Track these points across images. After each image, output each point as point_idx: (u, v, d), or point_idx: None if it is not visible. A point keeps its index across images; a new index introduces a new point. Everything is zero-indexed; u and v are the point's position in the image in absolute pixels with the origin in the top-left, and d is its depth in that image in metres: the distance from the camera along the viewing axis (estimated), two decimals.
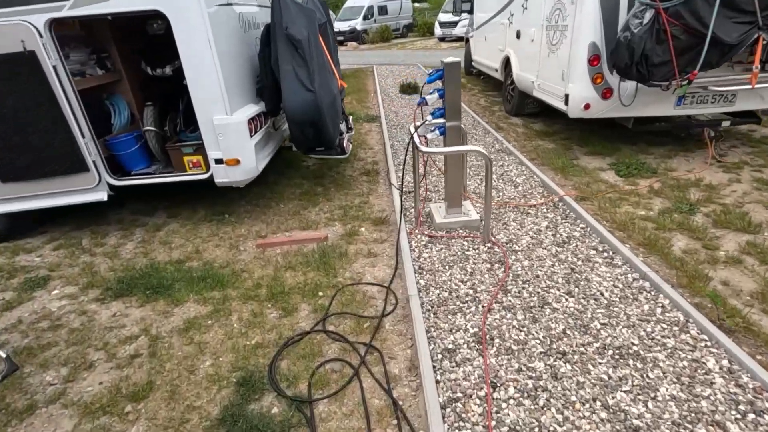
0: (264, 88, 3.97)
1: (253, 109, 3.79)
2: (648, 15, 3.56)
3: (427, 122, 3.15)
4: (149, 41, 4.11)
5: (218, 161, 3.55)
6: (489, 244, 3.19)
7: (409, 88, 9.06)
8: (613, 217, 3.45)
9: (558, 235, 3.28)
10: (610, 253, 2.98)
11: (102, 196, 3.65)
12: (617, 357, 2.14)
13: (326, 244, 3.42)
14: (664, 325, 2.31)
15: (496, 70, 7.42)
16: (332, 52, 4.22)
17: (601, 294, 2.59)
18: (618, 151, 4.87)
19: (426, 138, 3.20)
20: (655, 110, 4.39)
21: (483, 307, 2.55)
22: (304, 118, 3.64)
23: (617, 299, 2.53)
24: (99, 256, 3.56)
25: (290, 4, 3.57)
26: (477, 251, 3.13)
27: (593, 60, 4.19)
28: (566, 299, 2.57)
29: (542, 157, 4.89)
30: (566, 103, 4.53)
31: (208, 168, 3.67)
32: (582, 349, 2.20)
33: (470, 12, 10.13)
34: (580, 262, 2.92)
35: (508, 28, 6.59)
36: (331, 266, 3.12)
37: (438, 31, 21.26)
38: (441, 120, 3.13)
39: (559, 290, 2.66)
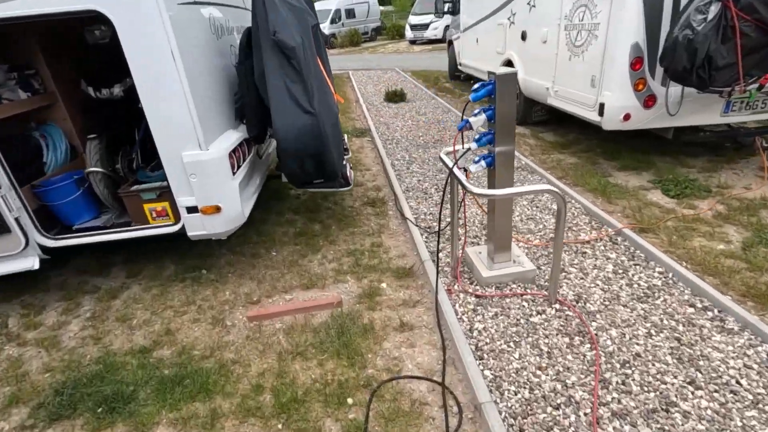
0: (245, 108, 3.12)
1: (233, 137, 2.95)
2: (714, 9, 2.98)
3: (470, 150, 2.42)
4: (91, 53, 3.19)
5: (191, 210, 2.69)
6: (556, 305, 2.48)
7: (395, 96, 8.33)
8: (691, 255, 2.83)
9: (635, 285, 2.61)
10: (715, 311, 2.34)
11: (31, 263, 2.71)
12: None
13: (342, 312, 2.62)
14: None
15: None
16: (325, 60, 3.42)
17: (737, 382, 1.92)
18: (653, 165, 4.31)
19: (467, 170, 2.48)
20: (701, 119, 3.84)
21: (586, 415, 1.83)
22: (302, 148, 2.84)
23: (763, 390, 1.87)
24: (30, 346, 2.62)
25: (277, 3, 2.77)
26: (544, 316, 2.42)
27: (635, 64, 3.58)
28: (693, 394, 1.89)
29: (571, 175, 4.26)
30: (600, 114, 3.91)
31: (177, 218, 2.80)
32: None
33: (453, 13, 9.54)
34: (682, 327, 2.26)
35: (508, 28, 5.97)
36: (355, 349, 2.33)
37: (409, 33, 20.72)
38: (481, 149, 2.41)
39: (676, 377, 1.97)
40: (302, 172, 3.02)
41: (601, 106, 3.87)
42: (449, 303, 2.55)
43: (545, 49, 4.91)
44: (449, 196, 2.73)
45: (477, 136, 2.42)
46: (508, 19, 5.93)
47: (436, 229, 3.47)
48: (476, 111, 2.36)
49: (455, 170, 2.40)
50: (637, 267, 2.78)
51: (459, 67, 9.12)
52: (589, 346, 2.19)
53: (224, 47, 3.16)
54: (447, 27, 19.85)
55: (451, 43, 9.72)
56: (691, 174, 4.03)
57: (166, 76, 2.38)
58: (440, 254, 3.11)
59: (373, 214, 3.89)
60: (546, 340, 2.25)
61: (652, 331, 2.24)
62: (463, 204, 2.79)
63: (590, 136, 5.29)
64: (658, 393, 1.90)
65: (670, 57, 3.25)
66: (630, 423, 1.79)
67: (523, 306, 2.50)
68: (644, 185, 3.94)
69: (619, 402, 1.88)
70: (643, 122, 3.83)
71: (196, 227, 2.75)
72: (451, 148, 2.74)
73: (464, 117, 2.40)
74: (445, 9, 9.97)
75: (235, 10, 3.62)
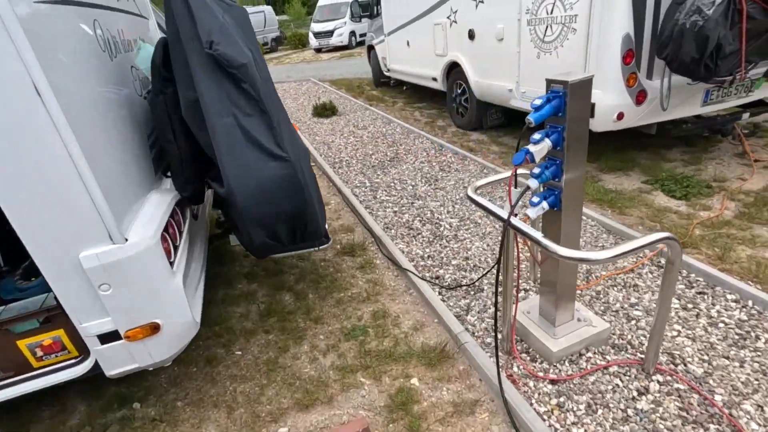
0: (168, 155, 2.11)
1: (159, 204, 1.93)
2: None
3: (529, 189, 1.73)
4: None
5: (108, 337, 1.64)
6: (658, 377, 1.90)
7: (325, 110, 7.47)
8: (750, 270, 2.46)
9: (720, 324, 2.14)
10: None
11: None
12: None
13: None
14: None
15: (434, 79, 6.30)
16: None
17: None
18: (636, 163, 4.05)
19: (528, 217, 1.81)
20: (685, 111, 3.62)
21: None
22: (273, 209, 1.94)
23: None
24: None
25: (208, 1, 1.83)
26: (650, 396, 1.81)
27: (627, 57, 3.22)
28: None
29: None
30: (591, 115, 3.49)
31: (81, 351, 1.72)
32: None
33: (371, 16, 8.95)
34: None
35: (449, 28, 5.48)
36: None
37: (313, 42, 19.85)
38: (537, 187, 1.74)
39: None
40: (273, 239, 2.10)
41: (591, 106, 3.46)
42: (522, 399, 1.84)
43: (503, 48, 4.46)
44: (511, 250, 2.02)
45: (536, 170, 1.74)
46: (448, 17, 5.43)
47: (448, 281, 2.75)
48: (536, 137, 1.68)
49: (520, 225, 1.69)
50: (705, 297, 2.33)
51: (387, 72, 8.54)
52: None
53: (122, 71, 2.10)
54: (353, 33, 19.42)
55: (372, 48, 9.11)
56: (677, 168, 3.82)
57: (30, 126, 1.35)
58: (473, 317, 2.39)
59: (356, 267, 3.06)
60: None
61: None
62: (517, 258, 2.07)
63: None
64: None
65: (675, 47, 2.90)
66: None
67: (617, 385, 1.88)
68: (641, 187, 3.63)
69: None
70: (635, 120, 3.50)
71: (120, 361, 1.70)
72: (481, 182, 2.05)
73: (520, 146, 1.71)
74: (363, 13, 9.33)
75: (129, 17, 2.53)
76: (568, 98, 1.58)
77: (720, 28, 2.71)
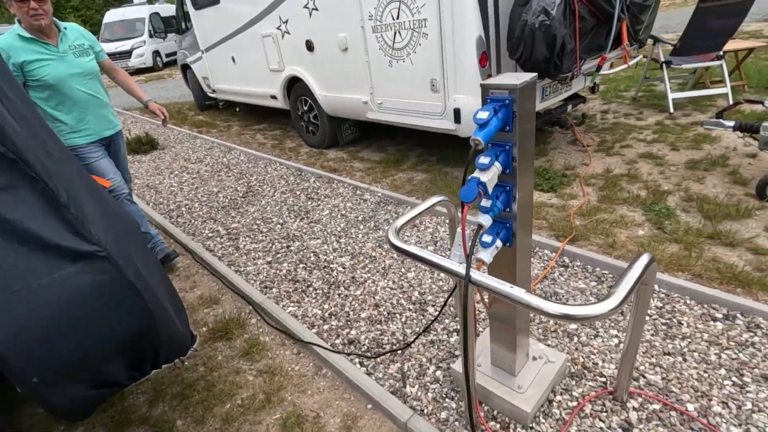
0: None
1: None
2: None
3: (479, 225, 1.31)
4: None
5: None
6: (632, 402, 1.70)
7: (142, 145, 6.05)
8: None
9: (646, 317, 2.12)
10: (737, 313, 2.04)
11: None
12: None
13: None
14: None
15: (273, 97, 5.63)
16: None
17: None
18: None
19: (482, 261, 1.38)
20: None
21: None
22: (87, 346, 1.09)
23: None
24: None
25: None
26: (636, 431, 1.60)
27: (483, 59, 3.17)
28: None
29: (442, 193, 3.65)
30: (457, 120, 3.39)
31: None
32: None
33: (179, 31, 7.72)
34: (745, 356, 1.85)
35: (281, 39, 4.90)
36: None
37: None
38: (485, 217, 1.35)
39: None
40: (101, 387, 1.22)
41: (457, 112, 3.35)
42: None
43: (349, 58, 4.11)
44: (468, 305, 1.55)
45: (486, 203, 1.33)
46: (278, 28, 4.85)
47: (367, 345, 2.19)
48: (484, 161, 1.26)
49: (486, 280, 1.25)
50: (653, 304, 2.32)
51: (212, 94, 7.46)
52: None
53: None
54: (157, 52, 16.98)
55: (187, 67, 7.87)
56: (554, 162, 4.04)
57: None
58: (414, 387, 1.89)
59: (239, 356, 2.25)
60: None
61: (733, 378, 1.75)
62: (473, 316, 1.59)
63: (411, 146, 4.88)
64: None
65: (527, 47, 2.92)
66: None
67: (601, 429, 1.62)
68: None
69: None
70: None
71: None
72: (401, 220, 1.58)
73: (468, 175, 1.27)
74: (168, 29, 7.98)
75: None
76: (517, 106, 1.21)
77: (562, 27, 2.82)
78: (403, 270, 2.73)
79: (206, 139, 6.35)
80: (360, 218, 3.45)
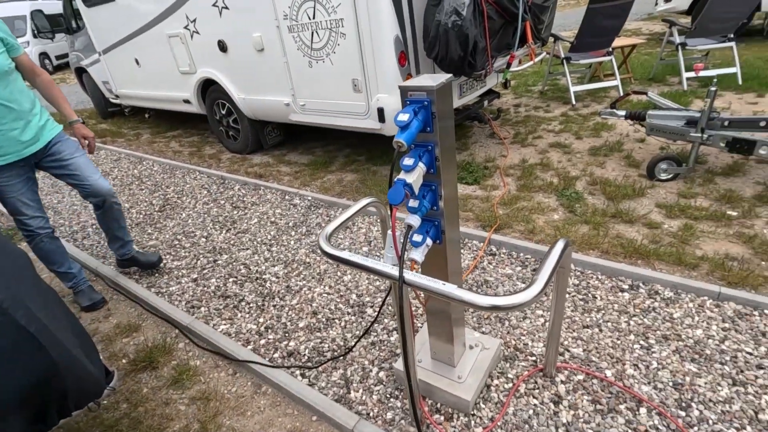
0: None
1: None
2: None
3: (408, 225, 1.32)
4: None
5: None
6: (560, 376, 1.83)
7: None
8: (555, 235, 2.79)
9: (596, 307, 2.30)
10: (653, 285, 2.29)
11: None
12: None
13: None
14: None
15: (187, 102, 5.26)
16: None
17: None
18: None
19: (415, 261, 1.38)
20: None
21: None
22: None
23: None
24: None
25: None
26: (565, 402, 1.72)
27: (402, 59, 3.22)
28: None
29: (373, 193, 3.66)
30: (381, 120, 3.41)
31: None
32: None
33: (70, 31, 6.94)
34: (659, 323, 2.07)
35: (190, 39, 4.59)
36: None
37: None
38: (415, 217, 1.37)
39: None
40: None
41: (380, 111, 3.37)
42: None
43: (266, 59, 3.96)
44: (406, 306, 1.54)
45: (413, 203, 1.34)
46: (186, 28, 4.53)
47: (307, 355, 2.13)
48: (408, 162, 1.27)
49: (418, 279, 1.26)
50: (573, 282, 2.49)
51: (115, 100, 6.81)
52: (644, 409, 1.67)
53: None
54: (45, 54, 15.11)
55: (83, 71, 7.10)
56: (475, 156, 4.20)
57: None
58: (358, 391, 1.87)
59: (168, 385, 2.07)
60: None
61: (641, 342, 1.96)
62: (410, 316, 1.58)
63: (339, 147, 4.84)
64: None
65: (443, 46, 3.02)
66: None
67: (535, 405, 1.73)
68: None
69: None
70: None
71: None
72: (332, 225, 1.56)
73: (393, 176, 1.27)
74: (52, 28, 7.11)
75: None
76: (435, 107, 1.24)
77: (473, 27, 2.96)
78: (339, 274, 2.70)
79: (112, 149, 5.78)
80: (291, 224, 3.35)
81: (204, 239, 3.30)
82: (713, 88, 2.93)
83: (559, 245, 1.36)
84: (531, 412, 1.70)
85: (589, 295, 2.28)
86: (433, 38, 3.05)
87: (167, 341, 2.34)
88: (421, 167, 1.28)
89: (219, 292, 2.67)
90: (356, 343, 2.06)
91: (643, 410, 1.66)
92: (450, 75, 1.29)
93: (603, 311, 2.16)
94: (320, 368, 2.03)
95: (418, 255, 1.36)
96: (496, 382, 1.84)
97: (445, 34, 2.94)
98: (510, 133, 4.59)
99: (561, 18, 10.99)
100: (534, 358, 1.94)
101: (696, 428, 1.57)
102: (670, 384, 1.74)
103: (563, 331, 2.07)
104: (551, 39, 5.43)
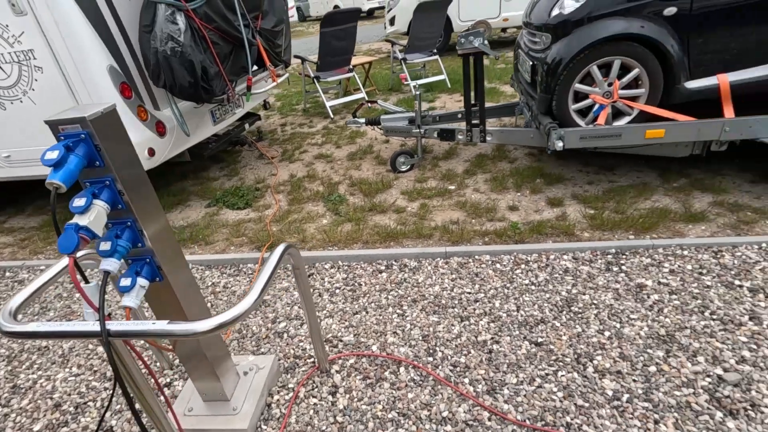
0: None
1: None
2: (181, 19, 2.78)
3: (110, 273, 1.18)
4: None
5: None
6: (335, 367, 1.94)
7: None
8: (325, 239, 2.98)
9: (338, 291, 2.47)
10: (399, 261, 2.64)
11: None
12: None
13: None
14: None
15: None
16: None
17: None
18: (189, 191, 3.98)
19: (129, 308, 1.20)
20: (204, 133, 3.82)
21: None
22: None
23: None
24: None
25: None
26: (341, 389, 1.84)
27: (125, 90, 2.90)
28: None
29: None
30: None
31: None
32: None
33: None
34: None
35: None
36: None
37: None
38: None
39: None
40: None
41: None
42: None
43: None
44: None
45: (105, 246, 1.20)
46: None
47: None
48: (78, 203, 1.12)
49: (128, 327, 1.13)
50: (314, 275, 2.62)
51: None
52: (403, 368, 1.92)
53: None
54: None
55: None
56: (225, 184, 4.07)
57: None
58: None
59: None
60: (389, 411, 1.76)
61: (398, 311, 2.26)
62: (147, 369, 1.36)
63: None
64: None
65: (167, 74, 2.85)
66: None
67: (315, 404, 1.79)
68: (208, 211, 3.61)
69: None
70: (166, 152, 3.34)
71: None
72: (18, 299, 1.30)
73: (73, 223, 1.09)
74: None
75: None
76: (98, 139, 1.13)
77: (197, 52, 2.89)
78: (90, 347, 2.26)
79: None
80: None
81: None
82: (417, 92, 3.63)
83: (278, 251, 1.44)
84: (311, 412, 1.76)
85: (356, 283, 2.51)
86: (155, 66, 2.86)
87: None
88: (101, 205, 1.16)
89: None
90: (100, 423, 1.75)
91: (402, 369, 1.91)
92: (112, 103, 1.21)
93: (368, 295, 2.41)
94: None
95: (130, 300, 1.23)
96: (276, 397, 1.83)
97: (166, 61, 2.80)
98: (278, 151, 4.72)
99: (309, 43, 11.90)
100: (313, 359, 2.02)
101: (440, 366, 1.90)
102: (420, 338, 2.06)
103: (337, 324, 2.22)
104: (299, 61, 5.83)
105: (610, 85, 2.82)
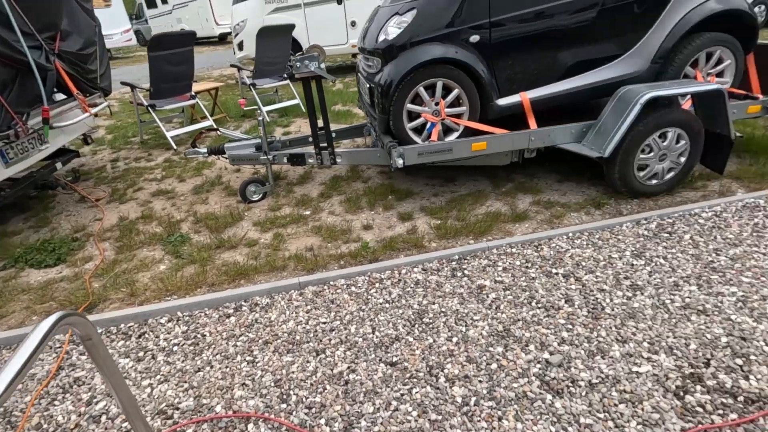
0: None
1: None
2: None
3: None
4: None
5: None
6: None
7: None
8: (168, 287, 2.57)
9: (176, 347, 2.12)
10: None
11: None
12: None
13: None
14: None
15: None
16: None
17: None
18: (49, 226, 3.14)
19: None
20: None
21: None
22: None
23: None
24: None
25: None
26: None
27: None
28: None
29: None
30: None
31: None
32: None
33: None
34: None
35: None
36: None
37: None
38: None
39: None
40: None
41: None
42: None
43: None
44: None
45: None
46: None
47: None
48: None
49: None
50: (143, 337, 2.23)
51: None
52: (252, 424, 1.69)
53: None
54: None
55: None
56: (30, 237, 3.31)
57: None
58: None
59: None
60: None
61: (247, 358, 2.03)
62: None
63: None
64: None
65: None
66: None
67: None
68: (6, 275, 2.86)
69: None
70: None
71: None
72: None
73: None
74: None
75: None
76: None
77: None
78: None
79: None
80: None
81: None
82: (260, 118, 3.47)
83: (49, 321, 1.13)
84: None
85: (199, 335, 2.20)
86: None
87: None
88: None
89: None
90: None
91: (251, 426, 1.69)
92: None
93: (213, 346, 2.13)
94: None
95: None
96: None
97: None
98: (107, 191, 4.05)
99: (144, 70, 10.84)
100: None
101: (294, 412, 1.73)
102: (272, 384, 1.87)
103: (173, 389, 1.89)
104: (128, 88, 5.19)
105: (437, 104, 3.06)
